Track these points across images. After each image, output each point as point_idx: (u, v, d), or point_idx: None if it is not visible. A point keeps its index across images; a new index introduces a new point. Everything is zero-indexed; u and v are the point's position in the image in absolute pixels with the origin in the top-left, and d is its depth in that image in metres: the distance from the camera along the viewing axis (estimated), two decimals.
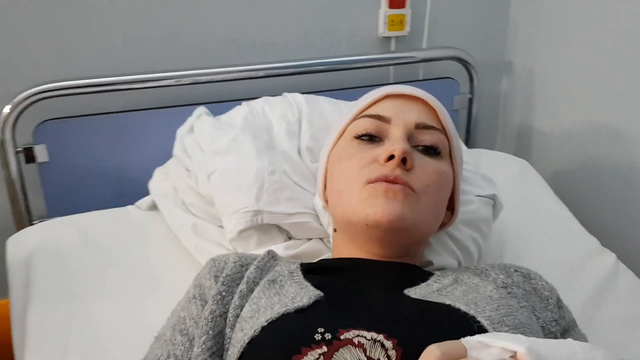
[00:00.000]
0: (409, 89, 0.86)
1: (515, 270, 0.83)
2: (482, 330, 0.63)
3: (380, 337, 0.60)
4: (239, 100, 1.32)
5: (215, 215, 1.04)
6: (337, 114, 1.11)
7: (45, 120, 1.21)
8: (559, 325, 0.77)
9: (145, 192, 1.21)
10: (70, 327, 0.92)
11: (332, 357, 0.58)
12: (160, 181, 1.17)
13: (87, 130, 1.24)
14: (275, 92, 1.35)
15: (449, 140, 0.85)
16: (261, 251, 0.94)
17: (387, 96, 0.86)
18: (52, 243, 1.07)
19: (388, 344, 0.59)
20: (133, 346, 0.87)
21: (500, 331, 0.63)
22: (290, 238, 1.00)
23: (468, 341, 0.52)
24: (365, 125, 0.83)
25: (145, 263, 1.05)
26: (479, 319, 0.64)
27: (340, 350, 0.59)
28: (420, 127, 0.82)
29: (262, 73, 1.33)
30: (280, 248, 0.95)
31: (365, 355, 0.58)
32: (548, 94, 1.56)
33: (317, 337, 0.61)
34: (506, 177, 1.32)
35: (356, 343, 0.60)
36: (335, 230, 0.88)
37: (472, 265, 0.96)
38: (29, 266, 1.03)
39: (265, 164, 0.98)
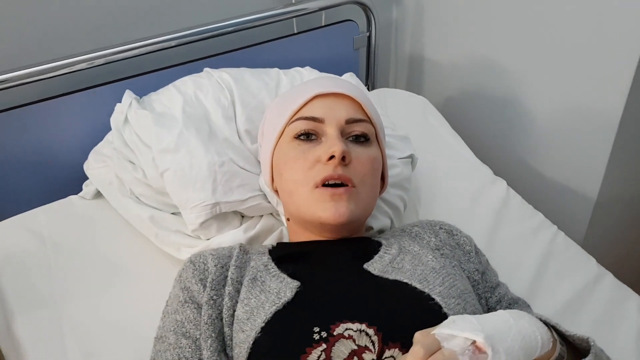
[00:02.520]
0: (335, 87, 0.97)
1: (440, 227, 1.02)
2: (437, 306, 0.81)
3: (363, 326, 0.77)
4: (154, 71, 1.35)
5: (168, 203, 1.12)
6: (264, 90, 1.20)
7: None
8: (479, 271, 0.99)
9: (72, 181, 1.25)
10: (63, 333, 0.99)
11: (331, 351, 0.75)
12: (99, 168, 1.21)
13: (5, 126, 1.22)
14: (186, 58, 1.39)
15: (374, 127, 0.99)
16: (222, 236, 1.07)
17: (317, 96, 0.96)
18: (11, 249, 1.10)
19: (370, 331, 0.76)
20: (130, 339, 0.99)
21: (449, 303, 0.82)
22: (243, 216, 1.12)
23: (439, 334, 0.70)
24: (302, 127, 0.94)
25: (111, 255, 1.12)
26: (432, 296, 0.82)
27: (336, 344, 0.75)
28: (350, 122, 0.95)
29: (173, 43, 1.35)
30: (240, 232, 1.07)
31: (355, 344, 0.75)
32: (436, 25, 1.69)
33: (316, 336, 0.76)
34: (410, 116, 1.49)
35: (347, 336, 0.76)
36: (288, 219, 1.01)
37: (400, 222, 1.16)
38: None
39: (214, 157, 1.06)
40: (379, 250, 0.94)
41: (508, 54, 1.50)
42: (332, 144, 0.90)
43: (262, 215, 1.12)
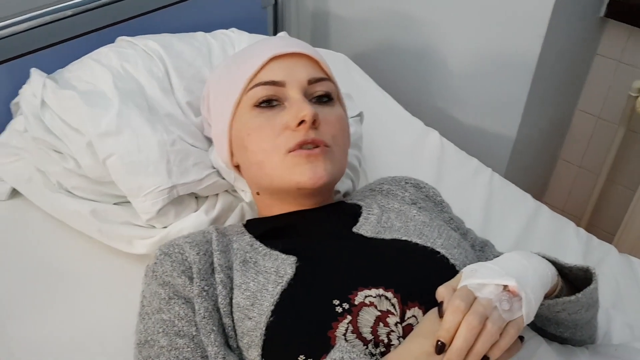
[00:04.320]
0: (291, 47, 0.90)
1: (406, 182, 1.01)
2: (444, 259, 0.80)
3: (381, 290, 0.74)
4: (53, 45, 1.17)
5: (109, 193, 0.99)
6: (199, 57, 1.10)
7: None
8: (453, 220, 0.99)
9: None
10: (16, 357, 0.85)
11: (357, 322, 0.71)
12: (10, 163, 1.04)
13: None
14: (83, 29, 1.22)
15: (335, 86, 0.94)
16: (182, 221, 0.98)
17: (273, 58, 0.89)
18: None
19: (389, 294, 0.73)
20: (97, 351, 0.89)
21: (453, 254, 0.81)
22: (197, 198, 1.03)
23: (470, 285, 0.69)
24: (263, 93, 0.87)
25: (48, 260, 0.98)
26: (437, 249, 0.81)
27: (360, 314, 0.72)
28: (312, 82, 0.89)
29: (69, 12, 1.18)
30: (202, 215, 0.98)
31: (378, 310, 0.72)
32: None
33: (338, 309, 0.72)
34: (334, 74, 1.45)
35: (368, 303, 0.73)
36: (258, 193, 0.94)
37: (358, 183, 1.13)
38: None
39: (164, 136, 0.95)
40: (362, 212, 0.91)
41: (417, 5, 1.50)
42: (300, 108, 0.84)
43: (217, 195, 1.03)
